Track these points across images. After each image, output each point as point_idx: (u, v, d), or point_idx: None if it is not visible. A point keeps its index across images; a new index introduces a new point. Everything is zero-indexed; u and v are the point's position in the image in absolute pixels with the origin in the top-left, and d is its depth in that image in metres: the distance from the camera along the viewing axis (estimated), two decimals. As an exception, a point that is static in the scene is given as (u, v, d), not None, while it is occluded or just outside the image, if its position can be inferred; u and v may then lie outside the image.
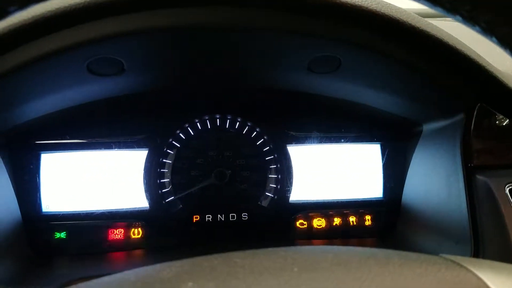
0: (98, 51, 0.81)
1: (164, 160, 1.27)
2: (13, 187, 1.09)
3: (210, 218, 1.28)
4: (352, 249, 0.53)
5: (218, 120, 1.31)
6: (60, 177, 1.23)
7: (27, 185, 1.17)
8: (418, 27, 0.76)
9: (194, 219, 1.28)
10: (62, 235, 1.21)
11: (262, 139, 1.31)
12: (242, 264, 0.45)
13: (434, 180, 1.10)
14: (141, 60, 0.90)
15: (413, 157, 1.23)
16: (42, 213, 1.20)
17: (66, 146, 1.23)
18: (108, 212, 1.24)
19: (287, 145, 1.32)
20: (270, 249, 0.52)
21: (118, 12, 0.73)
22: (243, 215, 1.30)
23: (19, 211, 1.11)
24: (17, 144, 1.14)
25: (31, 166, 1.20)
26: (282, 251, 0.50)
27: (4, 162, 1.06)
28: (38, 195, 1.20)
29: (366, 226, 1.33)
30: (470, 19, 0.39)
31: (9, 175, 1.08)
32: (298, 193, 1.32)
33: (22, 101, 0.95)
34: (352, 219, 1.33)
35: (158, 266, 0.47)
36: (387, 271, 0.43)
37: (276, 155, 1.31)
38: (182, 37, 0.80)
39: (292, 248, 0.53)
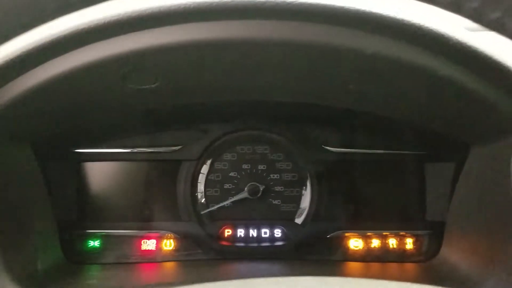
0: (133, 64, 0.81)
1: (197, 172, 1.27)
2: (49, 194, 1.12)
3: (242, 233, 1.26)
4: (381, 283, 0.48)
5: (253, 132, 1.28)
6: (96, 185, 1.25)
7: (64, 193, 1.20)
8: (466, 43, 0.70)
9: (226, 233, 1.26)
10: (96, 243, 1.23)
11: (298, 154, 1.28)
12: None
13: (482, 204, 1.02)
14: (175, 73, 0.90)
15: (460, 179, 1.14)
16: (76, 221, 1.23)
17: (104, 155, 1.25)
18: (142, 222, 1.24)
19: (324, 160, 1.28)
20: (293, 278, 0.48)
21: (153, 26, 0.72)
22: (276, 231, 1.26)
23: (54, 218, 1.13)
24: (55, 152, 1.17)
25: (69, 174, 1.23)
26: (307, 280, 0.47)
27: (41, 170, 1.08)
28: (74, 203, 1.23)
29: (407, 250, 1.25)
30: (500, 26, 0.35)
31: (46, 182, 1.11)
32: (335, 211, 1.27)
33: (60, 110, 0.97)
34: (392, 241, 1.26)
35: None
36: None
37: (312, 171, 1.27)
38: (216, 51, 0.79)
39: (317, 278, 0.49)
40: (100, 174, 1.26)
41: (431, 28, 0.70)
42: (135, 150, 1.25)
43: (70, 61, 0.76)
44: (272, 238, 1.26)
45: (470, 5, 0.42)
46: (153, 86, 0.91)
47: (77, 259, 1.19)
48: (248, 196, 1.25)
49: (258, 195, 1.25)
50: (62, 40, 0.72)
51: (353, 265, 1.22)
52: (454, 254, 1.15)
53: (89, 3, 0.42)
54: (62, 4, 0.39)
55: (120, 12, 0.70)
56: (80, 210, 1.24)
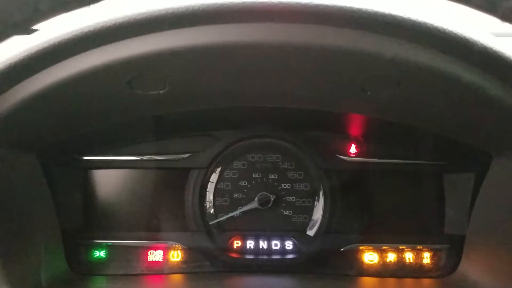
0: (140, 68, 0.78)
1: (206, 181, 1.23)
2: (55, 202, 1.09)
3: (252, 245, 1.22)
4: None
5: (264, 140, 1.25)
6: (103, 194, 1.23)
7: (69, 201, 1.17)
8: (492, 48, 0.66)
9: (235, 245, 1.22)
10: (102, 254, 1.20)
11: (311, 163, 1.23)
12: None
13: (505, 217, 0.97)
14: (184, 79, 0.87)
15: (481, 190, 1.09)
16: (82, 230, 1.20)
17: (111, 163, 1.22)
18: (148, 232, 1.21)
19: (337, 170, 1.23)
20: None
21: (159, 29, 0.69)
22: (287, 243, 1.22)
23: (59, 227, 1.10)
24: (61, 159, 1.14)
25: (75, 182, 1.20)
26: None
27: (47, 177, 1.06)
28: (80, 212, 1.20)
29: (424, 264, 1.20)
30: None
31: (51, 191, 1.08)
32: (349, 223, 1.22)
33: (66, 116, 0.94)
34: (409, 255, 1.21)
35: None
36: None
37: (325, 181, 1.22)
38: (227, 55, 0.76)
39: None
40: (107, 182, 1.23)
41: (455, 32, 0.66)
42: (143, 157, 1.22)
43: (74, 65, 0.74)
44: (283, 251, 1.21)
45: (506, 4, 0.38)
46: (161, 92, 0.88)
47: (82, 270, 1.16)
48: (258, 206, 1.21)
49: (269, 205, 1.21)
50: (66, 44, 0.70)
51: (368, 281, 1.17)
52: (473, 269, 1.10)
53: (84, 3, 0.39)
54: (56, 3, 0.36)
55: (126, 15, 0.67)
56: (86, 219, 1.21)
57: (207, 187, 1.23)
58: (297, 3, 0.65)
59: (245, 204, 1.22)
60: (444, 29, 0.66)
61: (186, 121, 1.18)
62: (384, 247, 1.21)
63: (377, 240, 1.21)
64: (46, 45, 0.70)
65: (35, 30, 0.79)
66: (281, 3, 0.65)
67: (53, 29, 0.70)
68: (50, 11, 0.37)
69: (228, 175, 1.24)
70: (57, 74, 0.75)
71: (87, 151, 1.21)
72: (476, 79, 0.72)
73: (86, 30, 0.68)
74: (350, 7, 0.65)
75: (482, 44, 0.67)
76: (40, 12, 0.37)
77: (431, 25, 0.66)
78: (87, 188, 1.22)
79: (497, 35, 0.71)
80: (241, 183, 1.24)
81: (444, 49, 0.69)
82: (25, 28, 0.39)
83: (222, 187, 1.24)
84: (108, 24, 0.68)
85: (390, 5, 0.67)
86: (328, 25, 0.67)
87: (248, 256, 1.21)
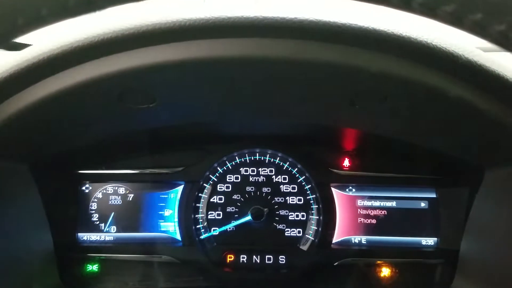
0: (128, 82, 0.79)
1: (199, 194, 1.23)
2: (47, 216, 1.09)
3: (245, 259, 1.21)
4: None
5: (257, 154, 1.25)
6: (95, 207, 1.22)
7: (62, 215, 1.16)
8: (476, 62, 0.66)
9: (228, 259, 1.21)
10: (94, 268, 1.19)
11: (304, 177, 1.23)
12: None
13: (498, 231, 0.96)
14: (173, 93, 0.87)
15: (474, 204, 1.09)
16: (75, 244, 1.19)
17: (104, 176, 1.23)
18: (141, 246, 1.20)
19: (331, 184, 1.23)
20: None
21: (147, 44, 0.70)
22: (281, 258, 1.21)
23: (52, 241, 1.10)
24: (55, 172, 1.14)
25: (69, 195, 1.20)
26: None
27: (40, 191, 1.06)
28: (73, 226, 1.20)
29: (419, 279, 1.19)
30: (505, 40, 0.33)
31: (44, 204, 1.08)
32: (342, 237, 1.21)
33: (58, 129, 0.95)
34: (403, 270, 1.19)
35: None
36: None
37: (318, 195, 1.22)
38: (214, 69, 0.76)
39: None
40: (100, 196, 1.23)
41: (439, 46, 0.67)
42: (136, 171, 1.23)
43: (64, 80, 0.74)
44: (276, 266, 1.20)
45: (472, 18, 0.38)
46: (151, 105, 0.89)
47: (74, 284, 1.15)
48: (252, 220, 1.20)
49: (262, 219, 1.20)
50: (56, 59, 0.71)
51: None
52: (468, 285, 1.09)
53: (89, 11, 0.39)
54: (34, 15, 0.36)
55: (114, 30, 0.68)
56: (79, 233, 1.21)
57: (200, 200, 1.23)
58: (282, 19, 0.66)
59: (238, 217, 1.21)
60: (428, 43, 0.66)
61: (180, 134, 1.19)
62: (379, 262, 1.19)
63: (371, 254, 1.20)
64: (35, 60, 0.71)
65: (26, 46, 0.80)
66: (267, 18, 0.66)
67: (42, 44, 0.71)
68: (27, 25, 0.37)
69: (221, 188, 1.24)
70: (47, 89, 0.75)
71: (80, 164, 1.21)
72: (462, 93, 0.72)
73: (75, 45, 0.69)
74: (335, 23, 0.66)
75: (466, 58, 0.67)
76: (19, 25, 0.37)
77: (415, 39, 0.66)
78: (80, 201, 1.22)
79: (485, 50, 0.72)
80: (234, 197, 1.23)
81: (429, 63, 0.69)
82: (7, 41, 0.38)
83: (215, 200, 1.24)
84: (96, 39, 0.69)
85: (374, 20, 0.67)
86: (313, 40, 0.68)
87: (241, 271, 1.20)
